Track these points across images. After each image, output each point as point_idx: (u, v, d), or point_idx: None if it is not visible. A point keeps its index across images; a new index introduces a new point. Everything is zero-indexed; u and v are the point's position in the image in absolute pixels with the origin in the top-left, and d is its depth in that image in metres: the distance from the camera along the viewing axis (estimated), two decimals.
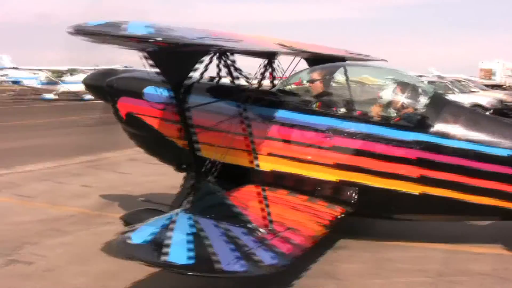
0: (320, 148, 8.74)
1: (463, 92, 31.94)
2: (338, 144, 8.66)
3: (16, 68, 58.96)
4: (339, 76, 9.39)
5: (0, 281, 7.53)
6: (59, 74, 60.15)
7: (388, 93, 9.16)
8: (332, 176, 8.72)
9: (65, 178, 14.23)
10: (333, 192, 8.79)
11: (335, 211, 8.49)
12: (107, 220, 10.34)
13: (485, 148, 8.24)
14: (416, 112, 8.72)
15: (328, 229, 8.01)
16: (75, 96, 59.31)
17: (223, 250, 6.62)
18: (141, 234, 6.72)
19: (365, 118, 8.83)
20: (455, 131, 8.39)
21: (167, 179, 14.38)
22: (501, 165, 8.17)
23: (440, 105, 8.74)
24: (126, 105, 10.07)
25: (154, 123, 9.41)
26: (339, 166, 8.65)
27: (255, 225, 7.17)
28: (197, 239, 6.76)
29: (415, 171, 8.39)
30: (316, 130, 8.78)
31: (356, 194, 8.68)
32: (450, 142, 8.35)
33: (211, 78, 9.88)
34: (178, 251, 6.42)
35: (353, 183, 8.65)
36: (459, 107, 9.01)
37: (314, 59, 10.44)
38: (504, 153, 8.19)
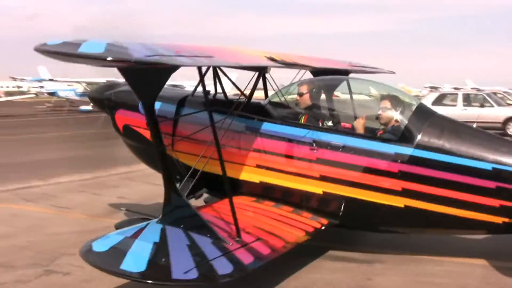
0: (305, 160, 8.91)
1: (500, 105, 31.43)
2: (322, 156, 8.80)
3: (53, 80, 59.75)
4: (325, 90, 9.68)
5: None
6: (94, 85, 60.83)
7: (371, 106, 9.43)
8: (316, 188, 8.87)
9: (101, 190, 14.40)
10: (317, 204, 8.95)
11: (317, 222, 8.67)
12: None
13: (467, 161, 8.22)
14: (399, 125, 8.77)
15: (306, 239, 8.27)
16: None
17: (180, 259, 6.90)
18: (106, 241, 7.30)
19: (348, 131, 9.06)
20: (437, 144, 8.40)
21: None
22: (484, 179, 8.14)
23: (424, 118, 8.75)
24: (123, 117, 10.52)
25: (148, 135, 8.89)
26: (323, 178, 8.79)
27: (221, 236, 7.37)
28: (157, 248, 7.07)
29: (398, 184, 8.43)
30: (302, 143, 8.94)
31: (341, 206, 8.78)
32: (432, 155, 8.36)
33: (208, 92, 9.36)
34: (133, 259, 6.82)
35: (337, 195, 8.76)
36: (443, 120, 8.96)
37: (318, 72, 10.63)
38: (486, 166, 8.15)
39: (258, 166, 9.20)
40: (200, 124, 8.88)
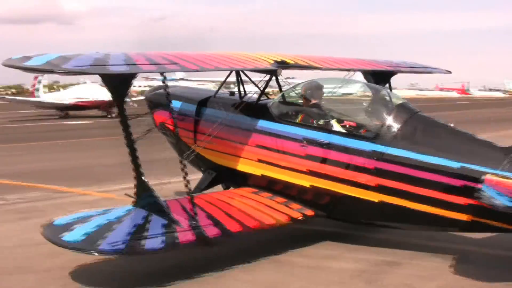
0: (296, 156, 9.62)
1: None
2: (310, 153, 9.48)
3: (186, 79, 61.49)
4: (316, 90, 10.22)
5: None
6: (228, 85, 61.89)
7: (352, 105, 10.09)
8: (305, 181, 9.56)
9: None
10: (304, 196, 9.65)
11: (299, 213, 9.40)
12: (275, 232, 10.44)
13: (437, 160, 8.47)
14: (378, 125, 9.21)
15: (287, 224, 9.21)
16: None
17: (117, 234, 7.80)
18: (68, 218, 8.37)
19: (331, 129, 9.56)
20: (410, 143, 8.79)
21: None
22: (451, 177, 8.33)
23: (400, 118, 9.11)
24: (159, 116, 11.76)
25: (177, 131, 10.80)
26: (311, 173, 9.47)
27: (175, 218, 8.26)
28: (105, 225, 8.01)
29: (373, 180, 8.86)
30: (294, 140, 9.69)
31: (326, 199, 9.50)
32: (405, 153, 8.71)
33: (232, 93, 11.46)
34: (76, 232, 7.83)
35: (322, 188, 9.39)
36: (419, 120, 9.22)
37: (372, 74, 11.52)
38: (454, 165, 8.33)
39: (260, 161, 10.07)
40: (216, 123, 10.21)
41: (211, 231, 8.25)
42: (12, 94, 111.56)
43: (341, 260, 8.82)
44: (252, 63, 9.48)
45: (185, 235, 8.06)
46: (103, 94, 48.66)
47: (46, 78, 50.00)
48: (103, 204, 12.52)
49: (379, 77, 11.56)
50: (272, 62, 9.64)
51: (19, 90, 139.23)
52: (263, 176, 10.06)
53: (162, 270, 8.41)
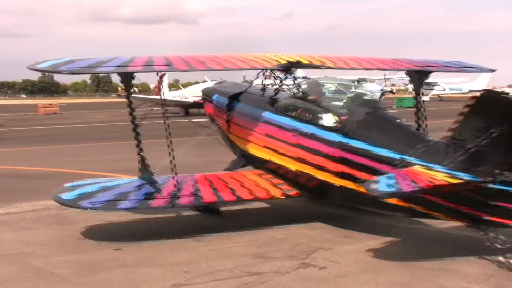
0: (289, 143, 11.10)
1: None
2: (298, 142, 10.87)
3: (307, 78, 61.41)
4: (313, 89, 11.61)
5: (295, 283, 7.83)
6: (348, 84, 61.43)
7: (327, 101, 11.14)
8: (293, 165, 10.98)
9: None
10: (294, 179, 11.07)
11: (281, 191, 10.98)
12: (399, 230, 10.31)
13: (381, 150, 9.52)
14: (346, 118, 10.41)
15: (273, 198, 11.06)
16: None
17: (103, 196, 9.95)
18: (77, 183, 10.65)
19: (311, 121, 10.89)
20: (363, 134, 9.89)
21: None
22: (391, 167, 9.09)
23: (361, 113, 10.21)
24: (208, 108, 14.28)
25: (218, 121, 13.05)
26: (297, 158, 10.88)
27: (160, 190, 10.21)
28: (100, 189, 10.21)
29: (338, 167, 10.05)
30: (289, 130, 11.16)
31: (309, 182, 10.79)
32: (358, 144, 9.86)
33: (264, 89, 12.69)
34: (75, 193, 10.09)
35: (302, 171, 10.76)
36: (375, 115, 10.22)
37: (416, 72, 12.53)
38: (392, 155, 9.30)
39: (267, 148, 11.68)
40: (239, 114, 12.62)
41: (189, 199, 10.38)
42: (134, 92, 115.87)
43: (466, 264, 8.52)
44: (260, 63, 11.06)
45: (159, 201, 10.09)
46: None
47: (167, 77, 51.41)
48: None
49: (414, 76, 12.67)
50: (284, 62, 11.15)
51: (146, 88, 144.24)
52: (268, 161, 11.66)
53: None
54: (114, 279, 8.01)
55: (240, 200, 10.80)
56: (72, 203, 10.01)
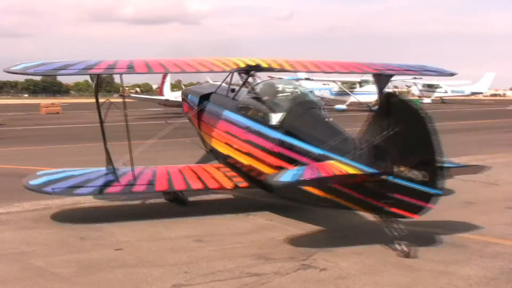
0: (241, 139, 12.08)
1: None
2: (248, 138, 11.83)
3: (309, 79, 61.39)
4: (260, 88, 12.48)
5: (295, 284, 7.83)
6: (351, 85, 61.60)
7: (275, 101, 11.72)
8: (243, 159, 11.94)
9: None
10: (241, 170, 12.16)
11: (232, 183, 12.05)
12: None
13: (309, 146, 10.35)
14: (282, 116, 11.20)
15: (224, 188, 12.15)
16: (366, 107, 60.18)
17: (66, 182, 11.28)
18: (48, 171, 12.19)
19: (259, 120, 11.72)
20: (296, 131, 10.79)
21: (458, 193, 13.96)
22: (313, 160, 9.96)
23: (297, 112, 11.14)
24: (184, 107, 15.72)
25: (191, 119, 14.70)
26: (247, 153, 11.81)
27: (118, 179, 11.57)
28: (66, 176, 11.62)
29: (277, 162, 10.87)
30: (242, 127, 12.12)
31: (255, 174, 11.64)
32: (292, 140, 10.74)
33: (232, 90, 13.33)
34: (43, 179, 11.45)
35: (254, 167, 11.62)
36: (307, 115, 11.12)
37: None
38: (318, 151, 10.07)
39: (226, 143, 12.71)
40: (205, 112, 14.01)
41: (143, 188, 11.40)
42: (136, 92, 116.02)
43: (467, 266, 8.53)
44: (219, 66, 11.94)
45: (114, 188, 11.39)
46: None
47: (169, 77, 51.52)
48: (226, 202, 12.79)
49: (380, 79, 13.31)
50: (244, 65, 12.18)
51: (148, 88, 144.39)
52: (226, 155, 12.71)
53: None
54: (114, 279, 8.00)
55: (190, 190, 11.97)
56: (36, 188, 11.22)
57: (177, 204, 12.73)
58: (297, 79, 66.72)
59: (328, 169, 9.18)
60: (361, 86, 60.41)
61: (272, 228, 10.75)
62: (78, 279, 8.04)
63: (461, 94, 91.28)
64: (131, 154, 11.57)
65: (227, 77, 13.61)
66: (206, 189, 11.98)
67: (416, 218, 8.86)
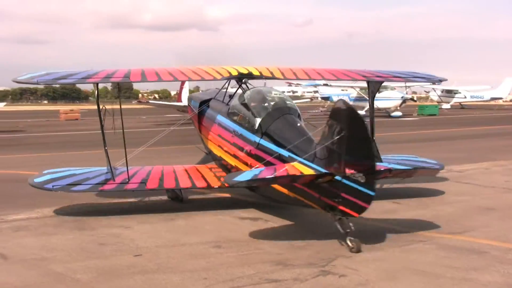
0: (228, 141, 13.21)
1: None
2: (235, 140, 12.84)
3: (328, 85, 61.34)
4: (248, 95, 13.23)
5: None
6: None
7: (259, 107, 12.45)
8: (230, 160, 13.08)
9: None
10: (230, 170, 12.98)
11: (219, 182, 12.84)
12: (418, 238, 10.25)
13: (279, 149, 11.24)
14: (259, 121, 12.08)
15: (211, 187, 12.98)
16: (385, 113, 60.15)
17: (64, 180, 12.54)
18: (53, 170, 13.49)
19: (244, 124, 12.64)
20: (270, 135, 11.75)
21: (478, 199, 13.86)
22: (282, 163, 10.81)
23: (272, 117, 12.01)
24: (189, 111, 17.02)
25: (194, 123, 16.17)
26: (234, 155, 12.89)
27: (114, 179, 12.65)
28: (68, 175, 12.97)
29: (255, 163, 11.70)
30: (230, 131, 13.25)
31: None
32: (267, 144, 11.70)
33: (230, 96, 14.31)
34: (45, 177, 12.73)
35: (238, 168, 12.48)
36: (279, 120, 11.94)
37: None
38: (285, 153, 11.01)
39: (219, 146, 13.87)
40: (203, 117, 15.28)
41: (135, 186, 12.49)
42: (155, 98, 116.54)
43: (487, 273, 8.45)
44: (210, 74, 12.76)
45: (109, 186, 12.49)
46: None
47: (188, 84, 51.62)
48: (246, 209, 12.82)
49: (373, 85, 14.17)
50: (236, 73, 13.19)
51: (166, 94, 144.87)
52: (218, 156, 13.89)
53: None
54: (134, 285, 8.02)
55: (178, 187, 13.05)
56: (39, 185, 12.48)
57: (176, 201, 13.80)
58: (315, 85, 66.77)
59: (285, 170, 10.09)
60: (379, 92, 60.17)
61: (290, 234, 10.73)
62: (97, 285, 8.07)
63: (480, 99, 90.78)
64: (125, 154, 12.83)
65: (224, 84, 14.84)
66: (194, 187, 12.97)
67: (357, 217, 9.73)
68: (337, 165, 9.52)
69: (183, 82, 49.13)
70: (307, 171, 9.93)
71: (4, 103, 61.44)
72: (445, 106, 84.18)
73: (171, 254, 9.45)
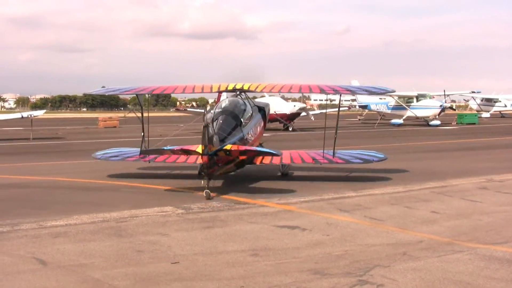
0: None
1: None
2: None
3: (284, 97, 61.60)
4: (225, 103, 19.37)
5: None
6: (408, 99, 60.99)
7: (215, 109, 18.76)
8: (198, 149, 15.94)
9: (413, 203, 14.25)
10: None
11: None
12: (458, 248, 10.09)
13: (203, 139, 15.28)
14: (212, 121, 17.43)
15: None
16: (423, 121, 59.57)
17: (110, 155, 20.05)
18: (109, 149, 21.11)
19: (208, 121, 17.03)
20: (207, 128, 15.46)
21: None
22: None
23: (214, 116, 17.78)
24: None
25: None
26: None
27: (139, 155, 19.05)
28: (117, 152, 20.29)
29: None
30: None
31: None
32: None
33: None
34: (102, 152, 20.40)
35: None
36: (221, 119, 17.60)
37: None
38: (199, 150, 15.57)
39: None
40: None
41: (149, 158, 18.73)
42: (192, 106, 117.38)
43: None
44: (209, 87, 19.74)
45: (132, 158, 19.25)
46: (284, 107, 49.80)
47: (225, 93, 52.02)
48: (282, 217, 12.77)
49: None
50: (232, 87, 19.79)
51: (204, 102, 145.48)
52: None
53: None
54: None
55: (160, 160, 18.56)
56: (95, 157, 20.24)
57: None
58: (353, 93, 66.54)
59: (185, 148, 16.34)
60: (418, 100, 59.75)
61: (328, 242, 10.64)
62: None
63: None
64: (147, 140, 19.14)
65: (237, 93, 20.16)
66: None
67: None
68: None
69: (220, 93, 49.60)
70: (198, 150, 15.39)
71: (44, 111, 62.20)
72: (485, 115, 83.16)
73: (208, 262, 9.45)
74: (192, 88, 19.30)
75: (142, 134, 18.50)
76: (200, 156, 15.34)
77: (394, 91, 21.91)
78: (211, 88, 19.66)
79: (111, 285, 8.32)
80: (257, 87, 19.49)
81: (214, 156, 15.28)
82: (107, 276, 8.73)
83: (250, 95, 20.43)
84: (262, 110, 20.76)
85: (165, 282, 8.46)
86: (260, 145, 19.94)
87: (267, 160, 17.64)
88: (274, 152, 16.23)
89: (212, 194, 15.07)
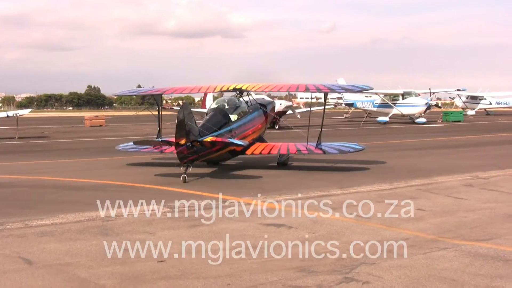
0: None
1: None
2: None
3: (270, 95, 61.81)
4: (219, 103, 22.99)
5: None
6: (394, 97, 61.21)
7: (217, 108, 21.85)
8: None
9: (399, 201, 14.27)
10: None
11: None
12: (443, 245, 10.15)
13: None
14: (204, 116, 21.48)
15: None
16: (409, 119, 59.82)
17: (130, 147, 23.22)
18: (129, 143, 23.81)
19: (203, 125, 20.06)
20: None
21: (503, 206, 13.71)
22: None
23: (207, 112, 21.68)
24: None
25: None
26: None
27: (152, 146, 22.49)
28: (131, 146, 23.09)
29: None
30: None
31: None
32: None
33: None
34: (124, 145, 23.91)
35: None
36: (208, 114, 21.27)
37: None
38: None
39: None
40: None
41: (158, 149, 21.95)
42: (179, 105, 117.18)
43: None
44: (207, 87, 24.01)
45: (147, 149, 22.29)
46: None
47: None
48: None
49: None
50: (232, 88, 22.57)
51: (190, 101, 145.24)
52: None
53: None
54: None
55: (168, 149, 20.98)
56: (118, 149, 23.71)
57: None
58: (339, 92, 66.67)
59: (166, 139, 19.72)
60: (403, 98, 59.99)
61: (314, 240, 10.66)
62: None
63: (506, 105, 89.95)
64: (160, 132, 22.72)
65: (237, 93, 23.20)
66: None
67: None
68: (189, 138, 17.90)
69: (205, 93, 49.93)
70: (182, 141, 17.81)
71: (30, 109, 61.94)
72: (470, 112, 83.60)
73: (194, 260, 9.45)
74: (206, 88, 24.19)
75: (158, 129, 22.67)
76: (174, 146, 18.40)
77: (372, 89, 25.60)
78: (215, 88, 23.48)
79: (97, 284, 8.32)
80: (253, 87, 22.19)
81: (193, 147, 18.13)
82: (93, 275, 8.72)
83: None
84: (264, 107, 23.76)
85: (151, 280, 8.46)
86: (261, 138, 23.12)
87: (257, 150, 21.05)
88: (239, 143, 19.41)
89: (187, 178, 17.90)
